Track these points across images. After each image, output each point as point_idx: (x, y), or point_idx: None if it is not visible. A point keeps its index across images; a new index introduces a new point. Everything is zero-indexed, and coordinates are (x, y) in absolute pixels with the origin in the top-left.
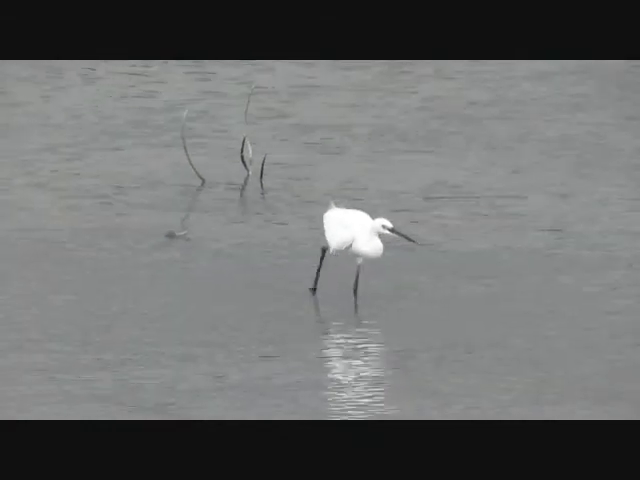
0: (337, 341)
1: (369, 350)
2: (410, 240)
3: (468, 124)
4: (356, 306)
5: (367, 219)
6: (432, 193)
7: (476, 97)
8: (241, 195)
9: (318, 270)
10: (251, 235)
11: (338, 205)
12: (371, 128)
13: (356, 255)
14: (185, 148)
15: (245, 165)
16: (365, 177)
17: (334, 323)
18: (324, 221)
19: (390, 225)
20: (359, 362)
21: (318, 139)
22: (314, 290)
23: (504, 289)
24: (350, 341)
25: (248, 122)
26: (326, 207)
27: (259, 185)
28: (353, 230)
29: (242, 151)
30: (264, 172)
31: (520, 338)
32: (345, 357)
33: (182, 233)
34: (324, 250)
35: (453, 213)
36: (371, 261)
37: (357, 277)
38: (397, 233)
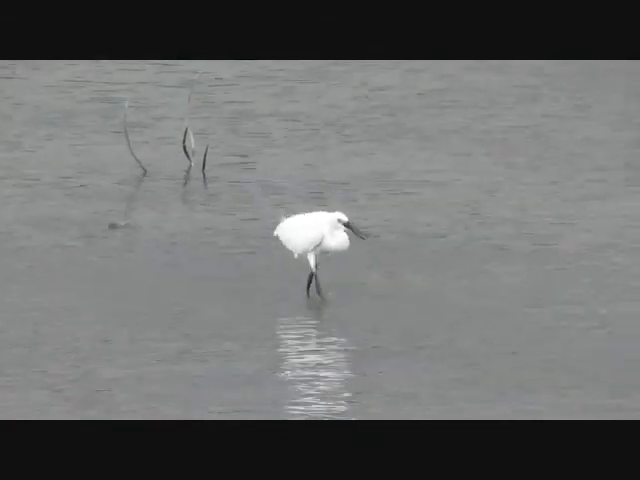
0: (288, 335)
1: (322, 342)
2: (360, 236)
3: (409, 114)
4: (322, 297)
5: (327, 216)
6: (369, 183)
7: (423, 88)
8: (184, 185)
9: (308, 288)
10: (194, 225)
11: (287, 216)
12: (314, 118)
13: (324, 252)
14: (127, 138)
15: (187, 155)
16: (308, 167)
17: (285, 318)
18: (279, 234)
19: (345, 219)
20: (316, 357)
21: (261, 129)
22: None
23: (454, 282)
24: (303, 332)
25: (190, 112)
26: (277, 221)
27: (201, 175)
28: (320, 228)
29: (184, 141)
30: (206, 162)
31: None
32: (302, 352)
33: (124, 223)
34: (311, 276)
35: (391, 202)
36: (339, 255)
37: (316, 278)
38: (350, 227)
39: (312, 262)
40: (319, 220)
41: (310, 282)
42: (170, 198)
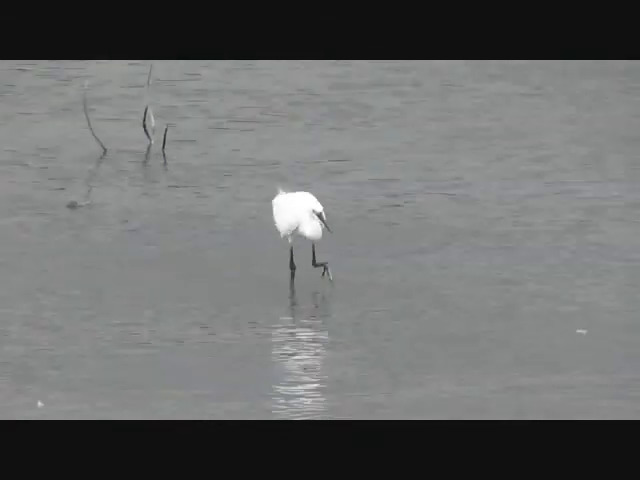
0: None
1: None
2: (328, 229)
3: (360, 99)
4: (325, 269)
5: (310, 201)
6: (326, 164)
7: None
8: (144, 164)
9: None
10: (154, 204)
11: (285, 190)
12: (275, 99)
13: (303, 237)
14: (87, 118)
15: (147, 134)
16: (267, 147)
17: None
18: (273, 208)
19: (318, 210)
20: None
21: (221, 109)
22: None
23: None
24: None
25: (150, 91)
26: (274, 193)
27: (162, 154)
28: (297, 213)
29: (144, 120)
30: (166, 141)
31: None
32: (279, 343)
33: (85, 203)
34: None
35: (344, 180)
36: (317, 242)
37: (313, 252)
38: (319, 218)
39: (290, 241)
40: (299, 204)
41: (292, 256)
42: (130, 177)
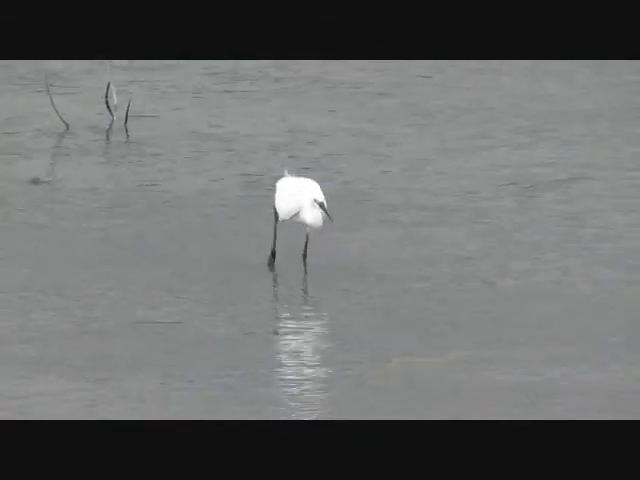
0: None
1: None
2: (329, 217)
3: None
4: (305, 272)
5: (315, 188)
6: (282, 138)
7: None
8: (106, 141)
9: (274, 237)
10: (117, 179)
11: (291, 173)
12: (234, 75)
13: (303, 224)
14: (49, 93)
15: (110, 110)
16: (230, 121)
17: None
18: (277, 189)
19: (319, 199)
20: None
21: (183, 84)
22: (273, 255)
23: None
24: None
25: (112, 67)
26: (279, 175)
27: (124, 130)
28: (299, 198)
29: (107, 96)
30: (129, 117)
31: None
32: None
33: (47, 179)
34: (276, 216)
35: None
36: (316, 230)
37: (306, 244)
38: (322, 208)
39: (284, 215)
40: (303, 190)
41: (275, 240)
42: (93, 153)
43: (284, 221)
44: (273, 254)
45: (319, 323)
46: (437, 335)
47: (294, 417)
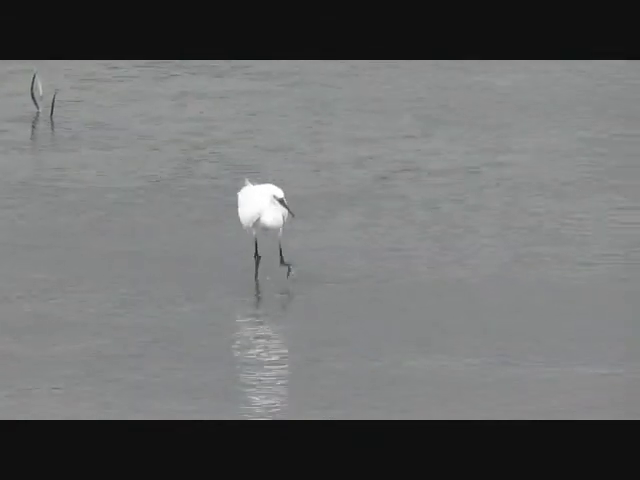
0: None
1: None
2: (291, 213)
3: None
4: (289, 270)
5: (271, 188)
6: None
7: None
8: (32, 132)
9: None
10: (41, 170)
11: (252, 182)
12: (172, 64)
13: (264, 229)
14: None
15: (35, 102)
16: (162, 117)
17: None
18: (238, 199)
19: (279, 196)
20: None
21: (110, 76)
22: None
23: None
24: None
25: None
26: (241, 184)
27: (50, 122)
28: (259, 204)
29: (32, 88)
30: (54, 109)
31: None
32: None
33: None
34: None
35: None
36: (279, 232)
37: (280, 250)
38: (282, 204)
39: (253, 233)
40: (261, 195)
41: (256, 247)
42: (18, 144)
43: (249, 229)
44: (257, 257)
45: (299, 324)
46: (426, 336)
47: (279, 417)
